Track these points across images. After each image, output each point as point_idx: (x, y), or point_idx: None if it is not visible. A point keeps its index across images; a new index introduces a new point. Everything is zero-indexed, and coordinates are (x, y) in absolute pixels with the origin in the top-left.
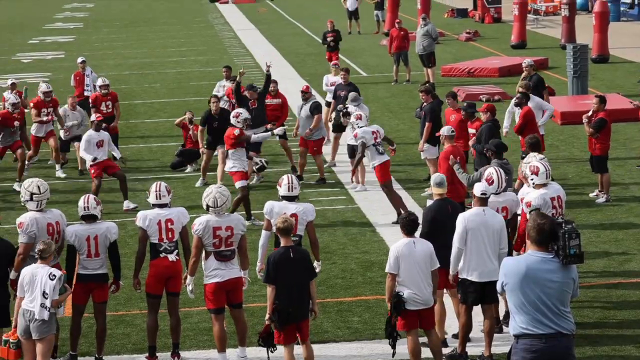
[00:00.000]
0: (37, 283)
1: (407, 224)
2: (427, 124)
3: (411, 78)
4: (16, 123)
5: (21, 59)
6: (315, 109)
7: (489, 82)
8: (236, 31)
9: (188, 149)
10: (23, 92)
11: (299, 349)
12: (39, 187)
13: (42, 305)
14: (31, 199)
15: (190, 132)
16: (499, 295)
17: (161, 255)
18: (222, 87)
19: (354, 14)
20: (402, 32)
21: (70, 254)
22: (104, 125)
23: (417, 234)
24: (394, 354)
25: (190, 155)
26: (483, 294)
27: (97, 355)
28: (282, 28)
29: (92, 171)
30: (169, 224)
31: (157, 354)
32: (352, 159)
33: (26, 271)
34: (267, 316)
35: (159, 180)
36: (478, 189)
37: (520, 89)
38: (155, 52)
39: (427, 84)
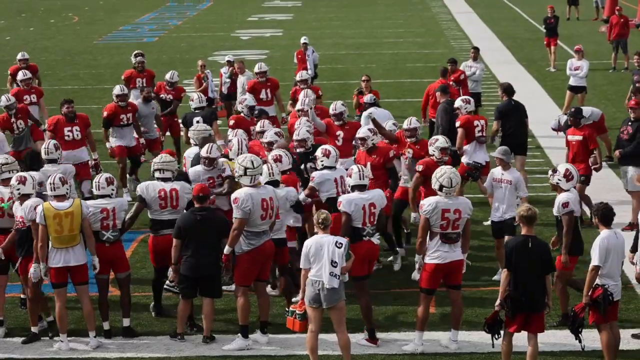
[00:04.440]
0: (323, 252)
1: (606, 215)
2: None
3: (630, 66)
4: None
5: (240, 36)
6: None
7: None
8: (453, 14)
9: None
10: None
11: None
12: (252, 161)
13: (332, 274)
14: (245, 174)
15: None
16: None
17: (365, 239)
18: (469, 68)
19: (574, 0)
20: (622, 19)
21: None
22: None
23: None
24: (583, 347)
25: None
26: None
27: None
28: (500, 12)
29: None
30: (372, 208)
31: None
32: None
33: (310, 242)
34: (497, 302)
35: None
36: None
37: None
38: (372, 32)
39: None
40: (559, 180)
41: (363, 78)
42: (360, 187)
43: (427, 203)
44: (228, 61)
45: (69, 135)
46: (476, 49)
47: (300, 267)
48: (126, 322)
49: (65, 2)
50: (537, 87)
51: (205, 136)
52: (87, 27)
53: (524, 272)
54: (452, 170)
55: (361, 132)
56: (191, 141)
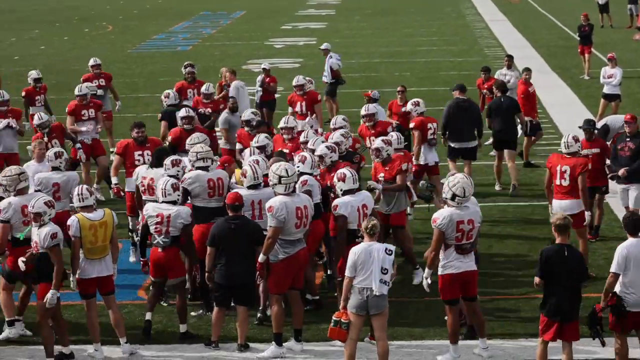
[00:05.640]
0: (373, 259)
1: (631, 224)
2: None
3: None
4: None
5: (274, 45)
6: None
7: None
8: (487, 22)
9: None
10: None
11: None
12: (287, 170)
13: (382, 281)
14: (279, 182)
15: None
16: None
17: (358, 240)
18: (503, 76)
19: (604, 8)
20: None
21: None
22: None
23: None
24: (603, 343)
25: None
26: None
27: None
28: (534, 20)
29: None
30: (365, 209)
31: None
32: None
33: (359, 250)
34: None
35: None
36: None
37: None
38: (406, 40)
39: None
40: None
41: (399, 89)
42: (352, 191)
43: (441, 216)
44: (264, 69)
45: (139, 160)
46: (510, 57)
47: (346, 275)
48: (183, 327)
49: (99, 11)
50: (571, 95)
51: (213, 157)
52: (121, 36)
53: (560, 281)
54: (466, 179)
55: (319, 150)
56: (199, 163)
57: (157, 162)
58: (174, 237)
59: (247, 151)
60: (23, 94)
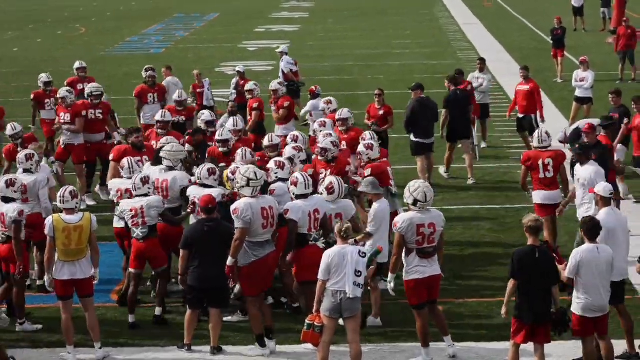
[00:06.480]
0: (346, 262)
1: (590, 229)
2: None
3: (637, 77)
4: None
5: (247, 47)
6: None
7: None
8: (461, 25)
9: None
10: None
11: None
12: (255, 173)
13: (355, 284)
14: (248, 185)
15: None
16: None
17: (310, 244)
18: (475, 79)
19: (579, 11)
20: (629, 30)
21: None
22: None
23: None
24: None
25: None
26: None
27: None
28: (507, 23)
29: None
30: (316, 214)
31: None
32: None
33: (332, 253)
34: (503, 310)
35: None
36: (606, 190)
37: None
38: (379, 43)
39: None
40: (323, 191)
41: (376, 92)
42: (305, 196)
43: (401, 220)
44: (238, 72)
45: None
46: (482, 60)
47: (319, 278)
48: (158, 310)
49: (73, 13)
50: (544, 98)
51: (182, 158)
52: (95, 38)
53: (530, 283)
54: (427, 184)
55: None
56: (164, 162)
57: (157, 160)
58: (151, 227)
59: (239, 152)
60: (32, 96)
